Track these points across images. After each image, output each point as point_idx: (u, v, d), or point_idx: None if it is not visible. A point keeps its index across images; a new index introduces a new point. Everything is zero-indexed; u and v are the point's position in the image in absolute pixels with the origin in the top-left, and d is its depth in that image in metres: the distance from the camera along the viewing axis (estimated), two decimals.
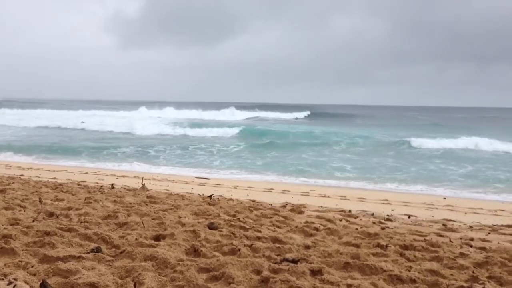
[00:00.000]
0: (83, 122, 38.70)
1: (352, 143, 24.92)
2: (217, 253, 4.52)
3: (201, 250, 4.55)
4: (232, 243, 4.83)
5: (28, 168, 14.12)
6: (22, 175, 12.02)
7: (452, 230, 6.75)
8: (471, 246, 5.49)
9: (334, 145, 24.11)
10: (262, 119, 57.33)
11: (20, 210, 6.23)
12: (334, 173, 15.43)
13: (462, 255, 4.93)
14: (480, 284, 3.91)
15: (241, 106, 73.24)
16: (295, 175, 14.94)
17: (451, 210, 9.25)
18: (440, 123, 51.49)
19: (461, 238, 6.01)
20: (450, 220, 7.75)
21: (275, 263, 4.21)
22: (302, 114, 64.87)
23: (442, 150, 22.14)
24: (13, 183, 9.30)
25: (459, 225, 7.24)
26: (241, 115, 58.54)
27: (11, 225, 5.26)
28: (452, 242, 5.69)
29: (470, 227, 7.17)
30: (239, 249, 4.63)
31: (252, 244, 4.85)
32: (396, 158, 19.87)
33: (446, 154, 20.86)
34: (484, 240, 6.02)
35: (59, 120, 39.88)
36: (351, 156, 20.45)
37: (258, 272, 3.95)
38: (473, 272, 4.25)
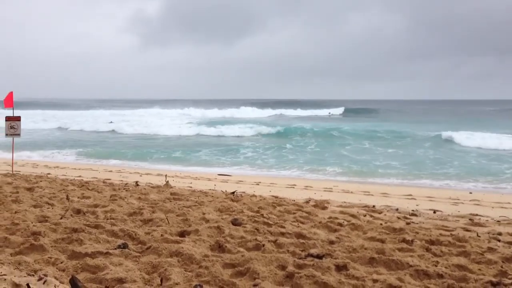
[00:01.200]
0: (111, 122, 38.91)
1: (393, 139, 24.76)
2: (241, 249, 4.55)
3: (226, 246, 4.58)
4: (256, 239, 4.84)
5: (54, 167, 14.42)
6: (49, 173, 12.29)
7: (479, 224, 6.64)
8: (499, 241, 5.39)
9: (375, 141, 23.99)
10: (292, 116, 56.82)
11: (48, 208, 6.38)
12: (378, 171, 15.06)
13: (490, 249, 4.84)
14: (509, 279, 3.84)
15: (263, 103, 72.82)
16: (337, 173, 14.69)
17: (478, 204, 9.09)
18: (479, 117, 50.24)
19: (488, 233, 5.90)
20: (477, 214, 7.62)
21: (300, 258, 4.21)
22: (337, 111, 63.83)
23: (485, 146, 21.52)
24: (41, 181, 9.52)
25: (487, 220, 7.11)
26: (268, 112, 58.15)
27: (39, 222, 5.39)
28: (480, 236, 5.59)
29: (498, 221, 7.04)
30: (264, 245, 4.64)
31: (276, 240, 4.86)
32: (438, 153, 19.57)
33: (488, 150, 20.40)
34: None
35: (88, 121, 39.89)
36: (393, 150, 20.30)
37: (283, 268, 3.96)
38: (501, 266, 4.17)
